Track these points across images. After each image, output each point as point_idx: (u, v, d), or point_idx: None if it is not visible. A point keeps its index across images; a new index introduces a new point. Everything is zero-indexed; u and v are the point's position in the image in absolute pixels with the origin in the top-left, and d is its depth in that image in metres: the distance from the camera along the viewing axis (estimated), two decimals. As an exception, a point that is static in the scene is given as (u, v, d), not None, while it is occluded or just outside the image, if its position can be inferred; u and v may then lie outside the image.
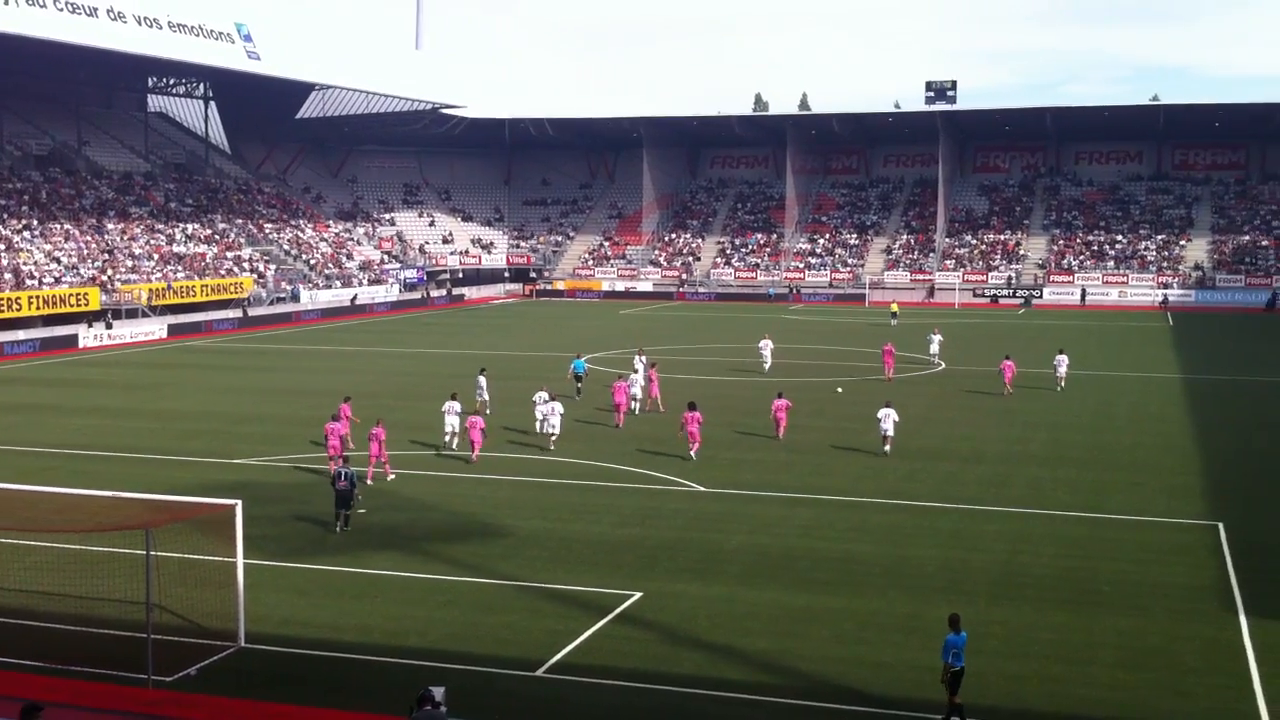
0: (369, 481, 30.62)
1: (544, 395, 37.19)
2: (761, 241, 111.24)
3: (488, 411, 40.01)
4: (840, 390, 46.75)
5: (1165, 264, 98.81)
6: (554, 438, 35.74)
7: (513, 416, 40.03)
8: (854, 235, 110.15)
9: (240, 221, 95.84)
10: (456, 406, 35.81)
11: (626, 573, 23.52)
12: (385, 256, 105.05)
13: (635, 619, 20.99)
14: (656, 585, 22.70)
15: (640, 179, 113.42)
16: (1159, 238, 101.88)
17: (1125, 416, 41.60)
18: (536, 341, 67.24)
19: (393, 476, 31.49)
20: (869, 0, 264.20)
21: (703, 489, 30.64)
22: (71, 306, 70.37)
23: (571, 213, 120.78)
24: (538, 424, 36.76)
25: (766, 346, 53.46)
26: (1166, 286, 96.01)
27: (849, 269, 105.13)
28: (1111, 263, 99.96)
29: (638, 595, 22.06)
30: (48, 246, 76.93)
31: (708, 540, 25.89)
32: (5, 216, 78.36)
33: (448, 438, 35.59)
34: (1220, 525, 26.68)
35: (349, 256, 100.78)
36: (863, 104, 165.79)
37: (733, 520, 27.60)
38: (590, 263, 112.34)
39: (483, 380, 41.78)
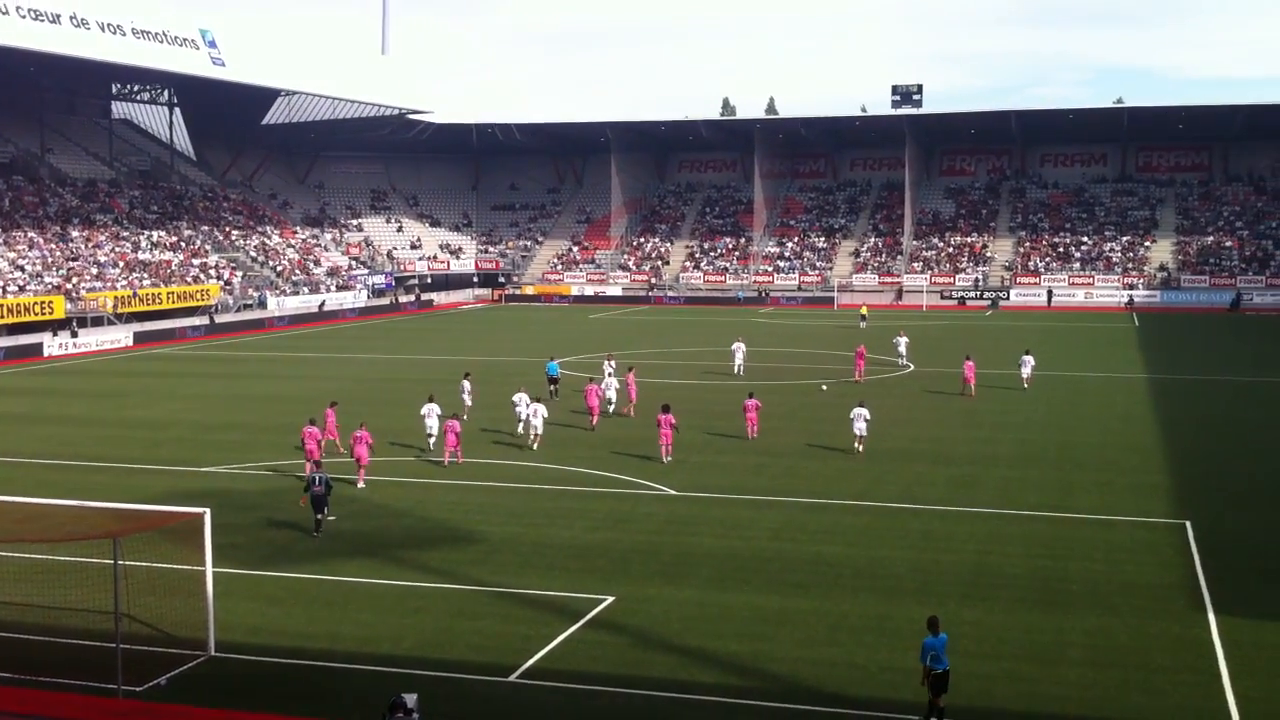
0: (359, 483, 31.08)
1: (524, 397, 37.80)
2: (730, 245, 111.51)
3: (464, 417, 39.90)
4: (825, 388, 47.53)
5: (1130, 265, 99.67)
6: (537, 438, 36.15)
7: (490, 420, 40.26)
8: (822, 238, 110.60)
9: (206, 228, 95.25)
10: (436, 409, 35.96)
11: (599, 577, 23.51)
12: (353, 263, 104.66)
13: (608, 623, 20.98)
14: (629, 589, 22.70)
15: (609, 183, 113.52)
16: (1124, 239, 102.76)
17: (1092, 417, 41.92)
18: (507, 346, 67.14)
19: (362, 485, 31.38)
20: (835, 5, 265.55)
21: (674, 492, 30.67)
22: (36, 315, 69.74)
23: (540, 217, 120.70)
24: (520, 425, 37.37)
25: (739, 350, 53.65)
26: (1132, 287, 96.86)
27: (818, 272, 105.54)
28: (1077, 264, 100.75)
29: (610, 599, 22.05)
30: (11, 255, 76.21)
31: (679, 544, 25.92)
32: (-32, 224, 77.53)
33: (431, 440, 35.86)
34: (1187, 524, 26.91)
35: (316, 263, 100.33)
36: (829, 108, 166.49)
37: (704, 523, 27.64)
38: (559, 267, 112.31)
39: (466, 384, 41.98)
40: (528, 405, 37.12)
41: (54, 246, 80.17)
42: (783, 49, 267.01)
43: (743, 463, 34.25)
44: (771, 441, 36.82)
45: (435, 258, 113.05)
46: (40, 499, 24.63)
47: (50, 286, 74.08)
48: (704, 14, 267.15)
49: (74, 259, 79.44)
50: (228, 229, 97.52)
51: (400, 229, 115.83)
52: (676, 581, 23.25)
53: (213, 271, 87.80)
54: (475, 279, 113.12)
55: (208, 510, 20.02)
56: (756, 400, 37.86)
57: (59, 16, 72.82)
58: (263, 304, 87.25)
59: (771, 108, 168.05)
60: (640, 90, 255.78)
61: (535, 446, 35.95)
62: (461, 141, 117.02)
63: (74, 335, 68.95)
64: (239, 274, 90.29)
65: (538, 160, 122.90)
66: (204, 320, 79.47)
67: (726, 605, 21.84)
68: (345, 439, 33.87)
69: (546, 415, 36.63)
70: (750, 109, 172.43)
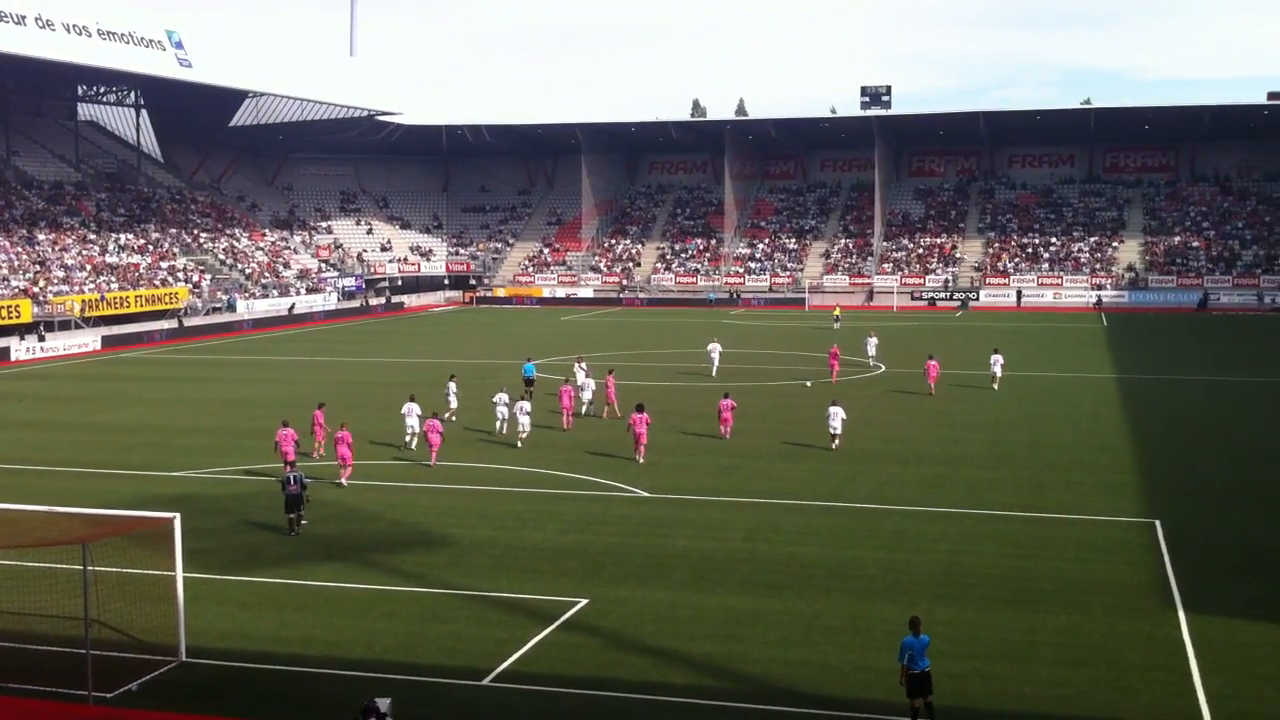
0: (344, 482, 31.62)
1: (504, 397, 38.46)
2: (701, 246, 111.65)
3: (453, 419, 40.39)
4: (809, 385, 48.64)
5: (1099, 265, 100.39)
6: (524, 435, 36.82)
7: (470, 421, 40.53)
8: (793, 239, 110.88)
9: (174, 231, 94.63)
10: (416, 409, 36.29)
11: (572, 579, 23.48)
12: (323, 265, 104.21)
13: (581, 626, 20.95)
14: (601, 591, 22.68)
15: (579, 185, 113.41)
16: (1092, 240, 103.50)
17: (1061, 416, 42.18)
18: (480, 348, 66.98)
19: (344, 483, 31.59)
20: (803, 6, 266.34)
21: (646, 494, 30.66)
22: (3, 319, 69.07)
23: (511, 219, 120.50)
24: (499, 424, 38.22)
25: (715, 350, 53.80)
26: (1100, 288, 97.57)
27: (789, 273, 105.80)
28: (1046, 265, 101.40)
29: (583, 602, 22.02)
30: (-24, 258, 75.47)
31: (652, 545, 25.92)
32: (-68, 227, 76.76)
33: (409, 438, 36.22)
34: (1157, 523, 27.10)
35: (286, 265, 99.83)
36: (799, 109, 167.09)
37: (677, 525, 27.65)
38: (530, 269, 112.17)
39: (452, 386, 42.13)
40: (508, 405, 37.89)
41: (20, 250, 79.45)
42: (752, 50, 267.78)
43: (716, 464, 34.29)
44: (745, 443, 36.89)
45: (406, 260, 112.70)
46: (7, 504, 24.41)
47: (17, 290, 73.39)
48: (673, 14, 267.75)
49: (40, 262, 78.76)
50: (196, 231, 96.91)
51: (370, 231, 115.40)
52: (650, 583, 23.24)
53: (181, 274, 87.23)
54: (446, 281, 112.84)
55: (178, 515, 19.88)
56: (732, 400, 38.04)
57: (24, 18, 72.23)
58: (232, 307, 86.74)
59: (741, 109, 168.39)
60: (610, 91, 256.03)
61: (521, 444, 36.59)
62: (431, 143, 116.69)
63: (41, 339, 68.32)
64: (207, 277, 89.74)
65: (508, 162, 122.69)
66: (172, 324, 78.94)
67: (700, 606, 21.85)
68: (329, 440, 34.11)
69: (529, 410, 37.44)
70: (720, 110, 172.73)
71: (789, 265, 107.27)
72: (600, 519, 28.31)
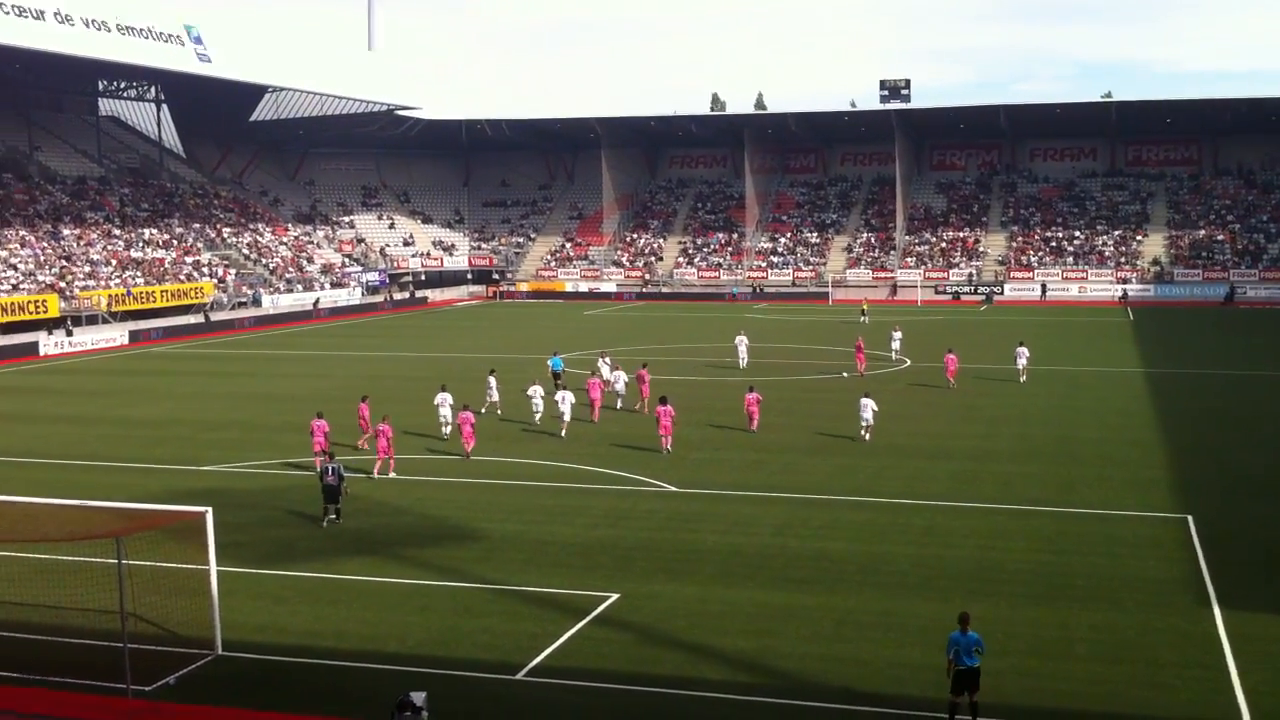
0: (375, 475, 32.01)
1: (539, 389, 39.60)
2: (723, 241, 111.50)
3: (499, 412, 41.24)
4: (846, 375, 49.69)
5: (1123, 259, 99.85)
6: (565, 424, 37.72)
7: (493, 416, 40.73)
8: (815, 234, 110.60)
9: (198, 226, 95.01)
10: (449, 399, 37.15)
11: (602, 574, 23.52)
12: (346, 260, 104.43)
13: (613, 620, 20.99)
14: (633, 586, 22.70)
15: (599, 179, 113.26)
16: (1116, 233, 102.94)
17: (1089, 411, 41.98)
18: (505, 343, 67.04)
19: (392, 475, 32.19)
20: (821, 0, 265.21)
21: (675, 489, 30.68)
22: (30, 314, 69.51)
23: (532, 214, 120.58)
24: (535, 415, 39.24)
25: (742, 343, 53.83)
26: (1125, 281, 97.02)
27: (811, 267, 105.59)
28: (1070, 258, 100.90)
29: (615, 597, 22.06)
30: (3, 253, 75.94)
31: (681, 540, 25.93)
32: (-41, 223, 77.25)
33: (445, 429, 37.06)
34: (1189, 518, 26.96)
35: (309, 260, 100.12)
36: (819, 103, 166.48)
37: (706, 520, 27.66)
38: (553, 264, 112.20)
39: (493, 380, 42.25)
40: (544, 397, 39.15)
41: (46, 245, 79.92)
42: (771, 44, 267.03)
43: (743, 458, 34.28)
44: (772, 437, 36.86)
45: (428, 254, 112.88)
46: (41, 498, 24.55)
47: (44, 285, 73.84)
48: (692, 8, 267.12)
49: (66, 257, 79.20)
50: (219, 226, 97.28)
51: (392, 226, 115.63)
52: (680, 578, 23.26)
53: (206, 269, 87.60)
54: (469, 276, 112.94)
55: (209, 509, 19.95)
56: (757, 394, 38.13)
57: (43, 13, 72.54)
58: (257, 301, 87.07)
59: (760, 103, 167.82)
60: (629, 85, 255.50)
61: (564, 435, 37.38)
62: (451, 137, 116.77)
63: (69, 334, 68.74)
64: (232, 272, 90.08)
65: (528, 156, 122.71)
66: (199, 318, 79.27)
67: (731, 601, 21.85)
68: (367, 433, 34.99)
69: (573, 401, 38.35)
70: (739, 104, 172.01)
71: (811, 259, 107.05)
72: (629, 513, 28.34)
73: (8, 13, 69.98)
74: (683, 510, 28.66)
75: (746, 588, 22.65)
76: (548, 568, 24.01)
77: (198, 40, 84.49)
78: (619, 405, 42.53)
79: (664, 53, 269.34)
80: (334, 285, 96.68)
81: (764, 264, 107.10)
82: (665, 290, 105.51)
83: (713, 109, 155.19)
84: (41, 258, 77.69)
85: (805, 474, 32.27)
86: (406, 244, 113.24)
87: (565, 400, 37.77)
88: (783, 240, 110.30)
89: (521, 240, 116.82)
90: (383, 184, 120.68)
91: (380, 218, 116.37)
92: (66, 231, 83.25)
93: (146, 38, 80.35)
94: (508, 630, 20.52)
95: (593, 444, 36.49)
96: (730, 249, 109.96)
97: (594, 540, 26.02)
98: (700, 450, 35.35)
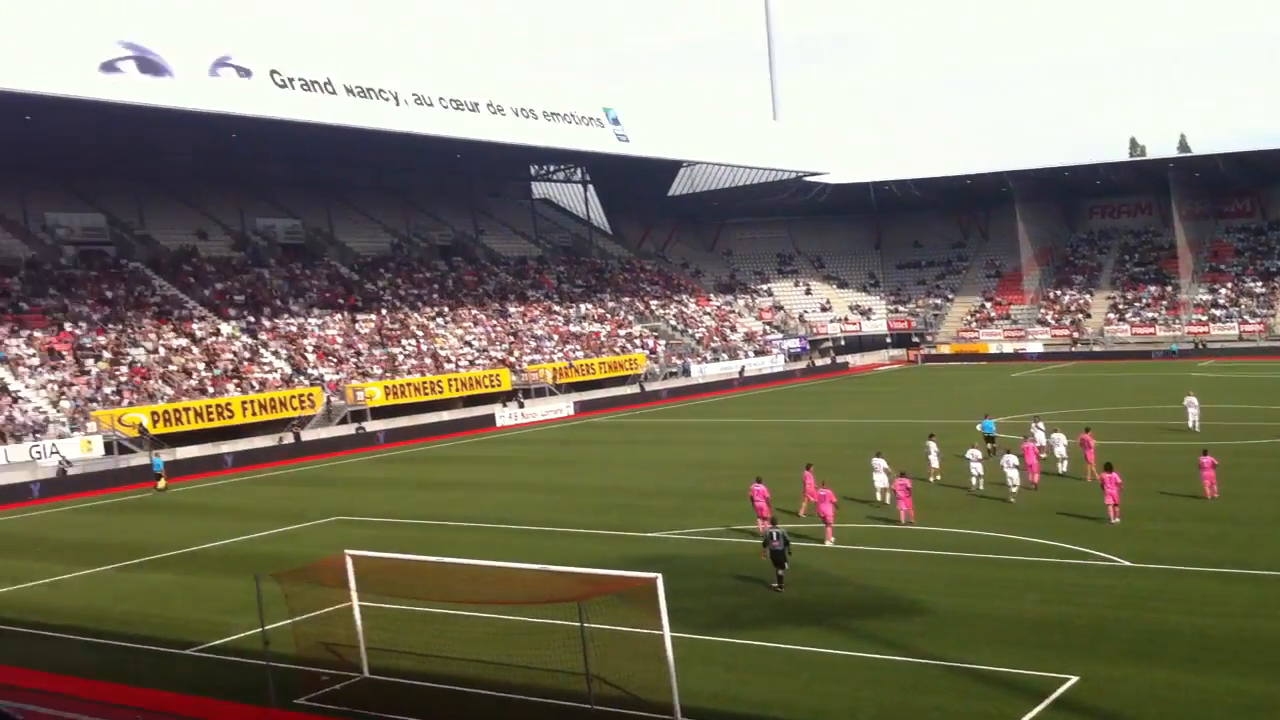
0: (828, 542, 32.34)
1: (977, 453, 38.74)
2: (1156, 294, 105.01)
3: (938, 479, 40.58)
4: None
5: None
6: (1014, 490, 36.79)
7: (924, 484, 39.73)
8: (1259, 283, 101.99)
9: (627, 299, 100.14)
10: (884, 464, 37.16)
11: (1057, 654, 22.44)
12: (766, 327, 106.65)
13: (1075, 704, 19.94)
14: (1092, 668, 21.52)
15: (1015, 235, 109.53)
16: None
17: None
18: (932, 407, 65.98)
19: (830, 543, 32.42)
20: (1246, 34, 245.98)
21: (1128, 563, 28.93)
22: (486, 387, 75.58)
23: (948, 274, 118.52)
24: (974, 480, 38.17)
25: (1192, 404, 50.36)
26: None
27: (1259, 320, 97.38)
28: None
29: (1074, 679, 20.96)
30: (459, 331, 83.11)
31: (1141, 619, 24.35)
32: (420, 305, 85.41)
33: (879, 495, 37.11)
34: None
35: (732, 329, 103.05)
36: (1250, 141, 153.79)
37: (1166, 598, 25.86)
38: (973, 324, 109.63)
39: (932, 445, 41.90)
40: (981, 461, 38.26)
41: (495, 322, 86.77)
42: (1191, 82, 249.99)
43: (1202, 530, 31.89)
44: (1232, 507, 34.11)
45: (846, 319, 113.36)
46: (507, 562, 26.39)
47: (495, 360, 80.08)
48: (1100, 51, 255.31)
49: (513, 333, 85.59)
50: (647, 299, 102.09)
51: (808, 291, 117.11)
52: (1145, 661, 21.82)
53: (637, 341, 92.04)
54: (888, 339, 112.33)
55: (659, 575, 20.65)
56: (1213, 458, 35.44)
57: (477, 105, 79.16)
58: (686, 371, 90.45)
59: (1183, 145, 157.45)
60: (1039, 135, 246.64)
61: (1014, 500, 36.51)
62: (859, 201, 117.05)
63: (521, 406, 74.13)
64: (662, 342, 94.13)
65: (939, 214, 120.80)
66: (634, 389, 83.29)
67: (1206, 689, 20.25)
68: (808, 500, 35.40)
69: (1016, 464, 37.22)
70: (1160, 148, 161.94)
71: (1258, 310, 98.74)
72: (1081, 589, 26.94)
73: (446, 106, 76.93)
74: (1139, 586, 26.94)
75: (1222, 674, 20.93)
76: (998, 645, 23.19)
77: (615, 121, 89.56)
78: (1061, 470, 40.73)
79: (1073, 98, 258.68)
80: (757, 353, 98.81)
81: (1204, 317, 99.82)
82: (1096, 349, 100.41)
83: (1131, 154, 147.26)
84: (492, 335, 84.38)
85: (1275, 548, 29.56)
86: (824, 309, 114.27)
87: (1009, 463, 36.88)
88: (1223, 291, 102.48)
89: (939, 301, 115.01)
90: (796, 250, 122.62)
91: (796, 284, 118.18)
92: (512, 309, 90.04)
93: (570, 122, 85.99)
94: (961, 710, 19.95)
95: (1033, 514, 35.08)
96: (1165, 303, 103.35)
97: (1045, 617, 24.91)
98: (1152, 521, 33.21)
